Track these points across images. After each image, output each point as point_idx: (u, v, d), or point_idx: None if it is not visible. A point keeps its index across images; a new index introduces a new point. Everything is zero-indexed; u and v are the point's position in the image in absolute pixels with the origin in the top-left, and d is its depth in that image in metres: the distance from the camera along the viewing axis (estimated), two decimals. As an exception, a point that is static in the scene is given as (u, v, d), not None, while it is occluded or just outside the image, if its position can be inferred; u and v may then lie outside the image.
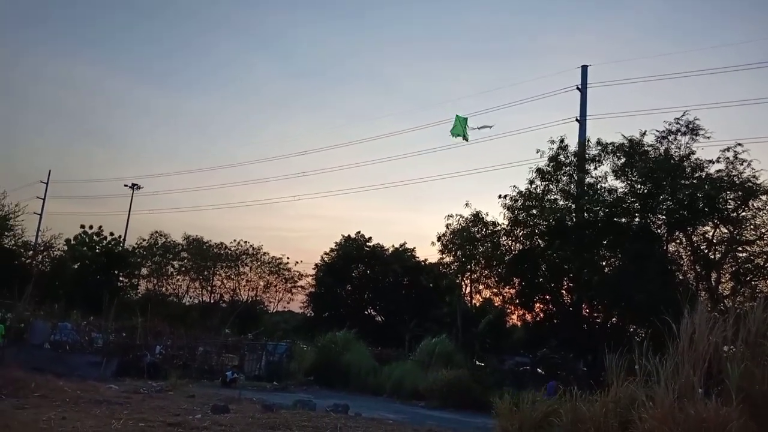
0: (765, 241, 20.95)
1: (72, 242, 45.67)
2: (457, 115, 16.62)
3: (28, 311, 26.16)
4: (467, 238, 25.82)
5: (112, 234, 47.48)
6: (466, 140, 16.79)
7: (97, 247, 45.95)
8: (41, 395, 13.74)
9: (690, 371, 9.21)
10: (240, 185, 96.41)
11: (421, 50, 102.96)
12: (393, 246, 44.28)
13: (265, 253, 44.31)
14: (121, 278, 46.49)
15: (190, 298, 46.09)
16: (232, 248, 44.03)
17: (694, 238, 22.03)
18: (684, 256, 22.59)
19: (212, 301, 45.58)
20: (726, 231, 21.26)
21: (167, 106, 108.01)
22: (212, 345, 27.74)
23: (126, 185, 57.37)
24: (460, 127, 16.60)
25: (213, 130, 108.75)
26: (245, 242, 44.52)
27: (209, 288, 45.68)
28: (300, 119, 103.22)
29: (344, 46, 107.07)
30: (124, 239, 49.57)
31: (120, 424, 10.81)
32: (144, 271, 47.06)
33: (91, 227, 46.53)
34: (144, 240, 47.24)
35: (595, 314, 25.24)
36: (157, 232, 47.16)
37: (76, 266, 44.63)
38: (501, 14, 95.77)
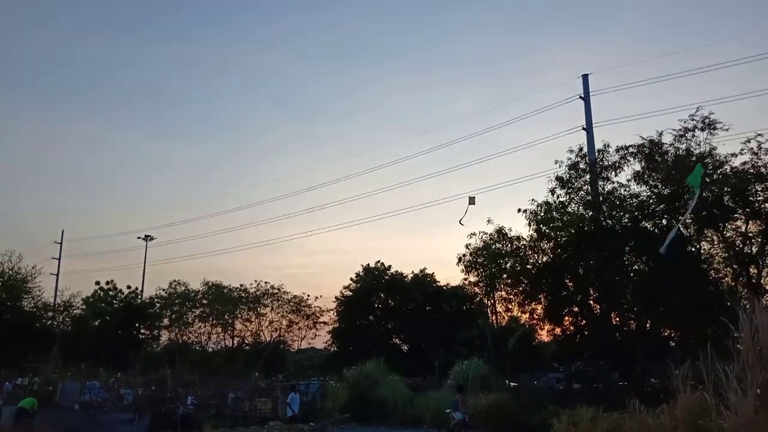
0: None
1: (90, 299, 45.56)
2: None
3: (55, 373, 25.91)
4: (491, 255, 25.24)
5: (129, 287, 47.44)
6: None
7: (115, 301, 45.82)
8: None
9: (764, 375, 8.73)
10: (253, 226, 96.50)
11: (418, 77, 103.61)
12: (412, 272, 43.88)
13: (285, 292, 44.01)
14: (142, 331, 46.16)
15: (213, 344, 45.66)
16: (252, 290, 43.70)
17: (727, 234, 21.51)
18: (717, 254, 22.06)
19: (235, 345, 45.07)
20: (760, 224, 20.71)
21: (170, 157, 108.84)
22: (242, 390, 27.23)
23: (139, 237, 57.58)
24: None
25: (221, 176, 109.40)
26: (265, 282, 44.28)
27: (231, 332, 45.24)
28: (305, 158, 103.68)
29: (340, 81, 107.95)
30: (142, 291, 49.48)
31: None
32: (165, 321, 46.72)
33: (107, 283, 46.54)
34: (163, 290, 47.06)
35: (629, 322, 24.58)
36: (175, 281, 47.05)
37: (96, 323, 44.40)
38: (497, 34, 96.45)
